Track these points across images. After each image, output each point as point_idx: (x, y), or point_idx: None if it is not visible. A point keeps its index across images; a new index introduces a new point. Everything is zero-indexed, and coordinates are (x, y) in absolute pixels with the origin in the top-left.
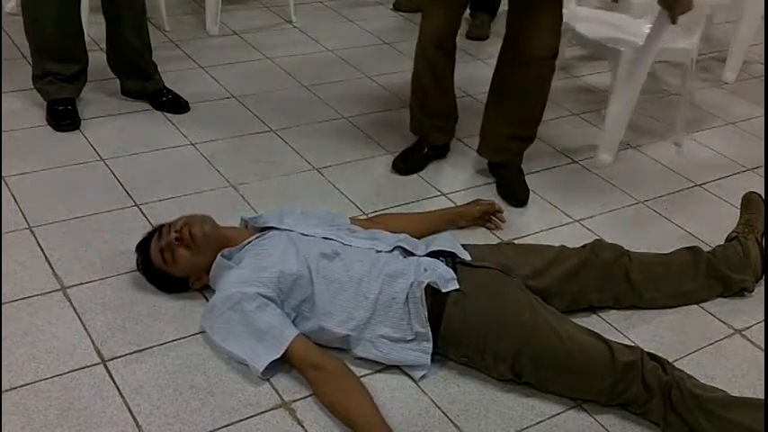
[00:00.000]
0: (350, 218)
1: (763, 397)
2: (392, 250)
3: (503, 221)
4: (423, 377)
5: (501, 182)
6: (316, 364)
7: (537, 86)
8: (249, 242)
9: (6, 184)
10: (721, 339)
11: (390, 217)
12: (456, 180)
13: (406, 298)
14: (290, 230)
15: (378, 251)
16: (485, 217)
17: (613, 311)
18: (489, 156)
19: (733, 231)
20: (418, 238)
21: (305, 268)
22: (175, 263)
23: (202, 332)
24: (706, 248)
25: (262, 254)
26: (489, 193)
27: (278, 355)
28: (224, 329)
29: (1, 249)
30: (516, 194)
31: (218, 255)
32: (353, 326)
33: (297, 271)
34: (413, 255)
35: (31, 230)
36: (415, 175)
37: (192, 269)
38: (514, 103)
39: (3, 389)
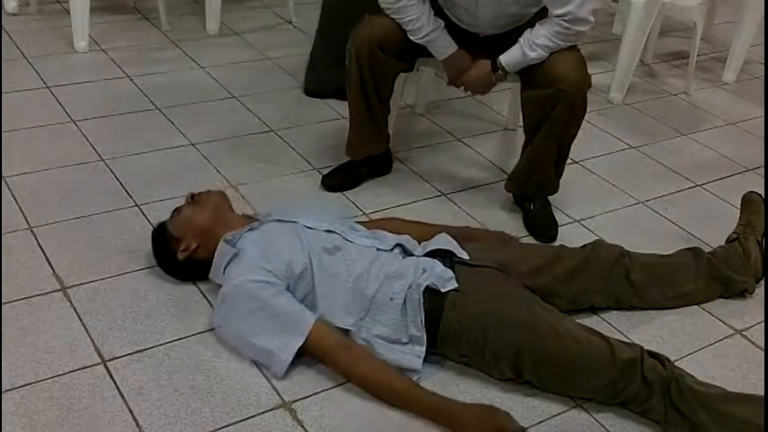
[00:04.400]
0: (356, 221)
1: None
2: (392, 249)
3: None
4: (417, 380)
5: (528, 215)
6: (343, 343)
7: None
8: (252, 228)
9: (7, 184)
10: (722, 340)
11: (400, 223)
12: (456, 180)
13: (404, 300)
14: (294, 222)
15: (378, 249)
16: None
17: (614, 312)
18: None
19: (733, 232)
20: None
21: (308, 261)
22: (178, 217)
23: (203, 332)
24: (706, 249)
25: (268, 243)
26: (489, 193)
27: (301, 341)
28: (243, 322)
29: (1, 249)
30: (545, 230)
31: (221, 240)
32: (352, 322)
33: (302, 263)
34: (411, 254)
35: (32, 230)
36: (414, 175)
37: (187, 227)
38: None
39: (3, 389)
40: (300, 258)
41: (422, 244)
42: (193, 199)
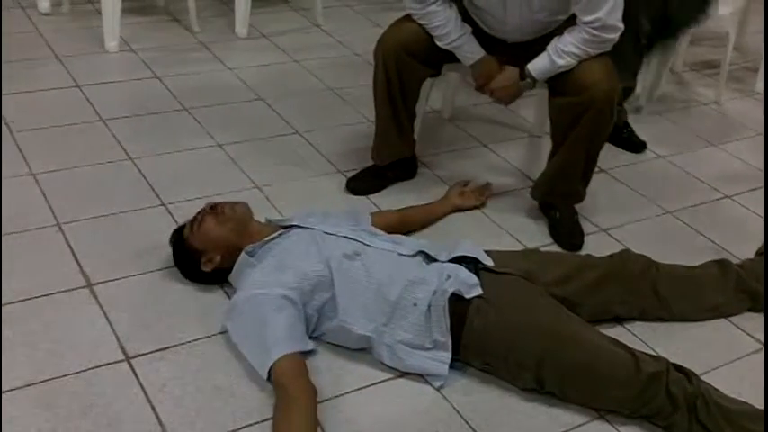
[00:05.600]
0: (370, 213)
1: None
2: (415, 255)
3: (487, 193)
4: (441, 386)
5: (553, 223)
6: (284, 385)
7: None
8: (273, 238)
9: (37, 180)
10: (749, 354)
11: (405, 213)
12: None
13: (429, 306)
14: (313, 229)
15: (400, 254)
16: (473, 196)
17: (639, 323)
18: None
19: (763, 245)
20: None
21: (326, 268)
22: (199, 230)
23: (225, 332)
24: (735, 261)
25: (284, 253)
26: (514, 200)
27: (269, 365)
28: (241, 330)
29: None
30: (570, 238)
31: (242, 252)
32: (373, 328)
33: (319, 271)
34: (435, 260)
35: (60, 227)
36: (439, 180)
37: (210, 241)
38: None
39: (27, 383)
40: (316, 267)
41: (444, 246)
42: (215, 210)
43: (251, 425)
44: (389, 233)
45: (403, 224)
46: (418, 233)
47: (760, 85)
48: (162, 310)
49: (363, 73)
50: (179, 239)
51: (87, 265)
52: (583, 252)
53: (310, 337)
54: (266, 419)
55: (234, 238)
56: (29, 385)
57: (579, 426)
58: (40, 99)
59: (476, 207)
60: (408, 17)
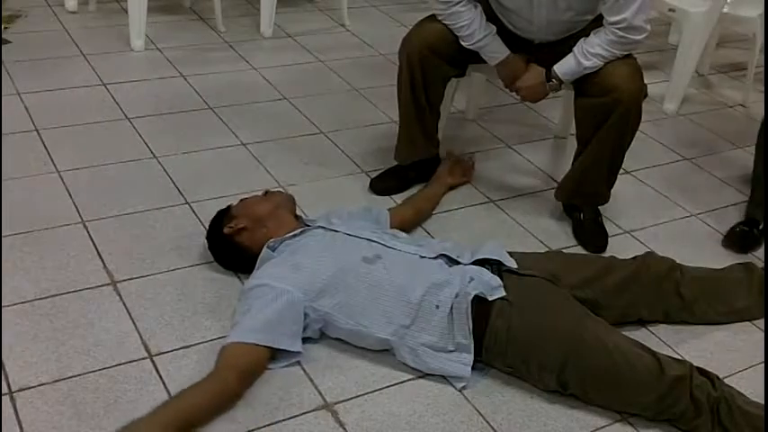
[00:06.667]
0: (388, 209)
1: None
2: (436, 257)
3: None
4: (463, 387)
5: (577, 225)
6: (218, 365)
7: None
8: (294, 235)
9: (62, 178)
10: None
11: (417, 207)
12: (504, 187)
13: (451, 308)
14: (336, 231)
15: (421, 256)
16: (459, 172)
17: (663, 326)
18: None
19: None
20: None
21: (339, 272)
22: (244, 201)
23: None
24: (759, 264)
25: (301, 251)
26: (538, 201)
27: (225, 342)
28: (237, 311)
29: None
30: (594, 240)
31: (265, 246)
32: (393, 330)
33: (330, 275)
34: (457, 263)
35: (84, 224)
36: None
37: (244, 209)
38: None
39: (53, 379)
40: (328, 270)
41: (468, 247)
42: (266, 195)
43: (273, 423)
44: (407, 227)
45: (414, 220)
46: (442, 234)
47: None
48: (185, 308)
49: (388, 73)
50: (228, 206)
51: (111, 262)
52: (607, 254)
53: (329, 338)
54: (287, 419)
55: (264, 216)
56: (56, 381)
57: (602, 428)
58: (66, 97)
59: (465, 182)
60: (433, 17)
